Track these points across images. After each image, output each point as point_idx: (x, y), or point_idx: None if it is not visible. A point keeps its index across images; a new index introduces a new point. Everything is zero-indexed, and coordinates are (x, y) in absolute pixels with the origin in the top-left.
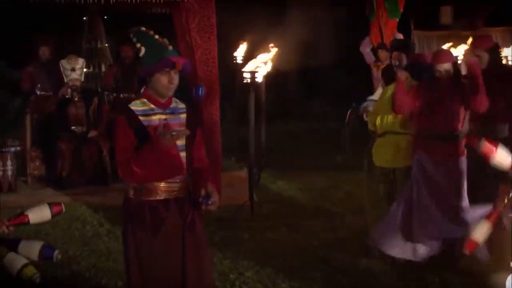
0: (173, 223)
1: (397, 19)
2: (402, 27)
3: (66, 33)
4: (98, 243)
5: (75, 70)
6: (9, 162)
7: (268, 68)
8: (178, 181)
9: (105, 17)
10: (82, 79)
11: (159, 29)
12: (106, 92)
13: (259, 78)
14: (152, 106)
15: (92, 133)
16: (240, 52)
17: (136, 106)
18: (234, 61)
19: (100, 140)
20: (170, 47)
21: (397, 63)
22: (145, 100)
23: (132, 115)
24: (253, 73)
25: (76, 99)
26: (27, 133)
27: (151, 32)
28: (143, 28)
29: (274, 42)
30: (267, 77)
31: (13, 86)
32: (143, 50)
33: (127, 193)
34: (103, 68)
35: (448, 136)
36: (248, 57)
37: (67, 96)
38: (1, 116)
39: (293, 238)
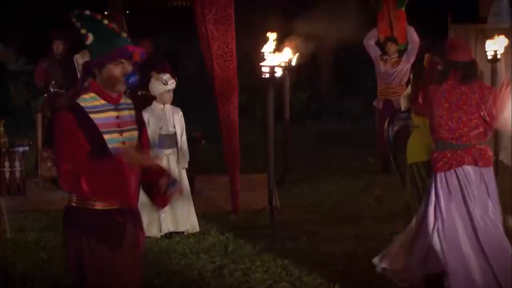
0: (130, 232)
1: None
2: (439, 20)
3: None
4: None
5: None
6: (17, 163)
7: (292, 62)
8: None
9: (127, 12)
10: None
11: (181, 22)
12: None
13: (279, 73)
14: (103, 101)
15: None
16: (268, 48)
17: (85, 101)
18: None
19: None
20: (124, 34)
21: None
22: (94, 94)
23: (81, 112)
24: (272, 67)
25: None
26: (39, 132)
27: (99, 16)
28: (88, 12)
29: (303, 37)
30: (294, 73)
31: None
32: (90, 37)
33: (70, 199)
34: None
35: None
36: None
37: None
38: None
39: (314, 248)
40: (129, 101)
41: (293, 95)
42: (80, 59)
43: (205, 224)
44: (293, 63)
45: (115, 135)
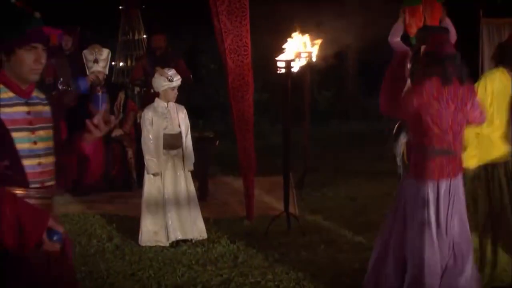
0: None
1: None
2: (469, 14)
3: (100, 24)
4: (99, 262)
5: (99, 61)
6: None
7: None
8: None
9: (143, 6)
10: (106, 72)
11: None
12: (136, 87)
13: (296, 68)
14: (11, 94)
15: (117, 132)
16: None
17: None
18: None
19: (125, 140)
20: (37, 14)
21: None
22: (0, 85)
23: None
24: (288, 62)
25: (99, 93)
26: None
27: None
28: None
29: (327, 31)
30: (318, 71)
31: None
32: None
33: None
34: None
35: None
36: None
37: (101, 81)
38: None
39: (332, 259)
40: (42, 95)
41: (317, 94)
42: (89, 55)
43: (215, 231)
44: (314, 59)
45: (25, 134)
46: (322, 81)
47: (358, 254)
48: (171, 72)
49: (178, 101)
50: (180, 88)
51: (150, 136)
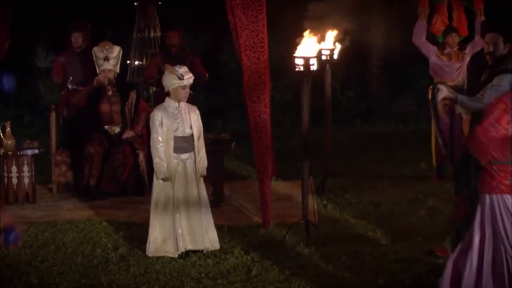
0: None
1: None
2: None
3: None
4: (101, 274)
5: (109, 59)
6: (25, 168)
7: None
8: None
9: (159, 2)
10: (117, 71)
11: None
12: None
13: (315, 66)
14: None
15: (128, 134)
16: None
17: None
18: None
19: (136, 143)
20: None
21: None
22: None
23: None
24: (307, 59)
25: (110, 93)
26: (52, 133)
27: None
28: None
29: (350, 28)
30: (341, 70)
31: None
32: None
33: None
34: None
35: None
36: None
37: (106, 84)
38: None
39: (355, 273)
40: None
41: (340, 94)
42: (99, 52)
43: (229, 241)
44: (335, 56)
45: None
46: (345, 80)
47: (382, 267)
48: (182, 69)
49: (196, 100)
50: (196, 87)
51: (160, 138)
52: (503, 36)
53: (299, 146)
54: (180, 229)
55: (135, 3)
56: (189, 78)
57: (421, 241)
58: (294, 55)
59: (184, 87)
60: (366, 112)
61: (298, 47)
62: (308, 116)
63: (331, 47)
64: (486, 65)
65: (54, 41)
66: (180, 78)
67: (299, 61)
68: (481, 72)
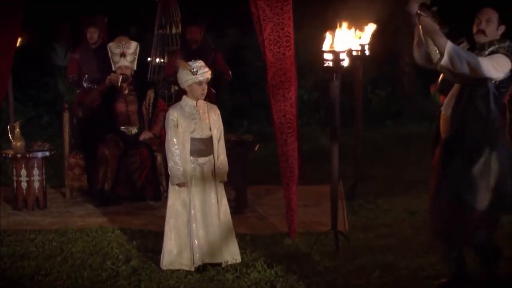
0: None
1: None
2: None
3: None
4: None
5: (126, 55)
6: (35, 171)
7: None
8: None
9: None
10: (135, 67)
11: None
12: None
13: (346, 62)
14: None
15: (145, 135)
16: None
17: None
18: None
19: (154, 144)
20: None
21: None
22: None
23: None
24: (336, 53)
25: (126, 92)
26: (65, 134)
27: None
28: None
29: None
30: (372, 68)
31: None
32: None
33: None
34: None
35: None
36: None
37: (118, 85)
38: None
39: None
40: None
41: (371, 94)
42: (115, 48)
43: (251, 252)
44: (367, 52)
45: None
46: (376, 79)
47: (420, 282)
48: (196, 64)
49: (219, 100)
50: (219, 86)
51: (175, 140)
52: (500, 14)
53: (327, 147)
54: (197, 240)
55: None
56: (204, 73)
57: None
58: (323, 49)
59: (199, 83)
60: (397, 112)
61: (326, 41)
62: (338, 116)
63: (363, 42)
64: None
65: (74, 38)
66: (194, 73)
67: (328, 56)
68: None
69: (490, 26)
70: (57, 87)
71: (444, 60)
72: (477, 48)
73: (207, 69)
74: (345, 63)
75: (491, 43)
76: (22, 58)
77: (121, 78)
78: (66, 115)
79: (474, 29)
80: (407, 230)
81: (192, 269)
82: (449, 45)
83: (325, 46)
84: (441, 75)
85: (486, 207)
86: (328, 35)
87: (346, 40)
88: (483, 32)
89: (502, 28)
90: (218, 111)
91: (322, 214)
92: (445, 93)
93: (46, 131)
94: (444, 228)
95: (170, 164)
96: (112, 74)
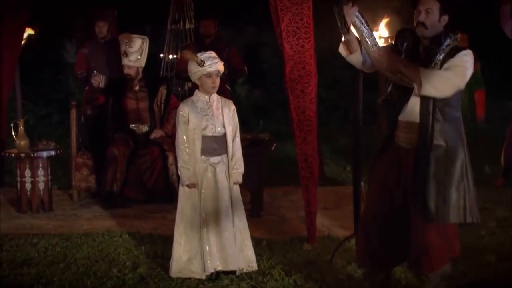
0: None
1: None
2: None
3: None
4: None
5: (128, 54)
6: (40, 171)
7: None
8: None
9: None
10: (142, 65)
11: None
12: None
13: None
14: None
15: (156, 134)
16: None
17: None
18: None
19: (166, 143)
20: None
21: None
22: None
23: None
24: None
25: (136, 88)
26: (73, 132)
27: None
28: None
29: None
30: None
31: None
32: None
33: None
34: None
35: None
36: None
37: (101, 85)
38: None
39: None
40: None
41: None
42: (121, 45)
43: (268, 258)
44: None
45: None
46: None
47: None
48: (205, 55)
49: (235, 98)
50: (234, 82)
51: (185, 138)
52: (441, 3)
53: (347, 147)
54: (208, 246)
55: None
56: (213, 65)
57: (493, 260)
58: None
59: (208, 75)
60: None
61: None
62: (361, 115)
63: (385, 35)
64: (416, 44)
65: (86, 35)
66: (201, 64)
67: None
68: (412, 54)
69: (430, 17)
70: (68, 85)
71: (426, 89)
72: (421, 43)
73: (217, 60)
74: None
75: (437, 42)
76: (34, 55)
77: (103, 79)
78: (73, 113)
79: (414, 22)
80: None
81: (203, 277)
82: (423, 72)
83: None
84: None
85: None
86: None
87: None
88: (422, 24)
89: (445, 19)
90: (233, 107)
91: (343, 217)
92: None
93: (57, 130)
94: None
95: (180, 163)
96: (95, 76)
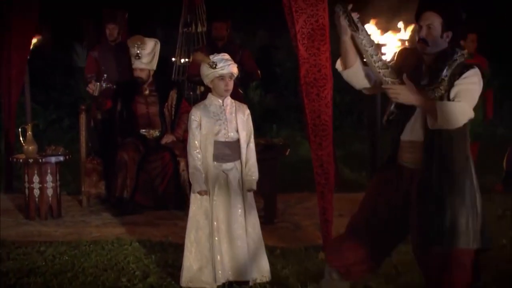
0: None
1: None
2: None
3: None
4: None
5: (141, 57)
6: (48, 177)
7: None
8: None
9: None
10: (154, 68)
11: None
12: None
13: (389, 57)
14: None
15: (167, 139)
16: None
17: None
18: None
19: (177, 149)
20: None
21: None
22: None
23: None
24: (378, 46)
25: (146, 92)
26: (82, 137)
27: None
28: None
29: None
30: None
31: None
32: None
33: None
34: None
35: None
36: None
37: (95, 94)
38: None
39: None
40: None
41: None
42: (131, 48)
43: (282, 268)
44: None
45: None
46: None
47: None
48: (217, 57)
49: (248, 102)
50: (247, 86)
51: (196, 143)
52: (443, 19)
53: (362, 152)
54: (220, 255)
55: None
56: (226, 66)
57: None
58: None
59: (221, 77)
60: None
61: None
62: (379, 119)
63: (403, 37)
64: (420, 63)
65: (97, 38)
66: (212, 66)
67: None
68: (415, 73)
69: (431, 33)
70: (79, 89)
71: (441, 123)
72: (424, 62)
73: (230, 62)
74: (388, 57)
75: (442, 58)
76: (45, 59)
77: (98, 86)
78: (82, 117)
79: (416, 38)
80: None
81: None
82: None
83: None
84: None
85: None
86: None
87: (390, 37)
88: (424, 40)
89: (449, 35)
90: (247, 111)
91: None
92: None
93: (67, 134)
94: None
95: (191, 169)
96: (90, 84)
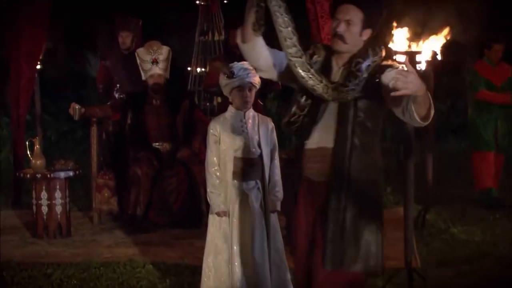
0: None
1: None
2: None
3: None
4: None
5: (158, 62)
6: (57, 193)
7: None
8: None
9: (225, 1)
10: (167, 76)
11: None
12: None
13: (423, 65)
14: None
15: (183, 153)
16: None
17: None
18: None
19: (193, 163)
20: None
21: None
22: None
23: None
24: (412, 54)
25: (157, 103)
26: (93, 151)
27: None
28: None
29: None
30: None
31: None
32: None
33: None
34: None
35: None
36: None
37: (75, 118)
38: None
39: None
40: None
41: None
42: (145, 55)
43: None
44: (439, 57)
45: None
46: (436, 92)
47: None
48: (237, 65)
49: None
50: (266, 97)
51: (215, 159)
52: (364, 15)
53: (385, 166)
54: (239, 282)
55: (197, 1)
56: (245, 77)
57: None
58: (391, 45)
59: (240, 88)
60: (459, 127)
61: (397, 39)
62: (413, 132)
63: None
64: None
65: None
66: (230, 76)
67: (400, 58)
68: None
69: (350, 29)
70: (92, 99)
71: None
72: (335, 59)
73: (249, 71)
74: (422, 66)
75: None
76: (57, 69)
77: (77, 110)
78: (94, 130)
79: (332, 33)
80: (491, 266)
81: None
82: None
83: (397, 46)
84: None
85: None
86: (397, 32)
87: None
88: (341, 37)
89: (367, 33)
90: (271, 125)
91: (387, 246)
92: None
93: (80, 145)
94: None
95: (209, 188)
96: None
